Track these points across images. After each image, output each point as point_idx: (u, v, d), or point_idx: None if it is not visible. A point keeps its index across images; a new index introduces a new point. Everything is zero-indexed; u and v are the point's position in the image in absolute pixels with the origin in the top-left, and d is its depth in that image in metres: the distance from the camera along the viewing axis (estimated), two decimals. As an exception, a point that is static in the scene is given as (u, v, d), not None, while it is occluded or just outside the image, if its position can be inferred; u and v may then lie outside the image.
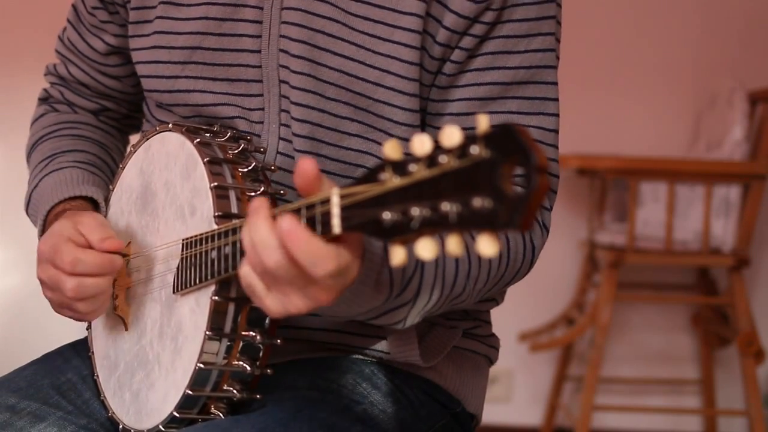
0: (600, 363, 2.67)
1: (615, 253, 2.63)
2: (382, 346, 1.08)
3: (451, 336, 1.12)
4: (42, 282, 1.04)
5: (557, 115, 1.07)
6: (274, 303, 0.81)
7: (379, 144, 1.05)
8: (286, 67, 1.05)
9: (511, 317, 2.84)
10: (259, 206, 0.80)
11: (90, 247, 1.01)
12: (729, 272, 2.69)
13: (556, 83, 1.07)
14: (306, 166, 0.78)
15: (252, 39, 1.07)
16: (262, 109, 1.07)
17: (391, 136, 1.05)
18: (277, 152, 1.07)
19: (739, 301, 2.67)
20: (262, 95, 1.07)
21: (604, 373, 3.00)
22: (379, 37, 1.03)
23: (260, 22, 1.06)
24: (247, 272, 0.82)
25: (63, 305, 1.02)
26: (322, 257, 0.76)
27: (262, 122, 1.08)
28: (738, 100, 2.72)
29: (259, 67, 1.07)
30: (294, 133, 1.06)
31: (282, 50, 1.05)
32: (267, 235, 0.78)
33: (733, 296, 2.68)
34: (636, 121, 3.14)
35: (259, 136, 1.08)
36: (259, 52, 1.07)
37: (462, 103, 1.05)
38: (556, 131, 1.07)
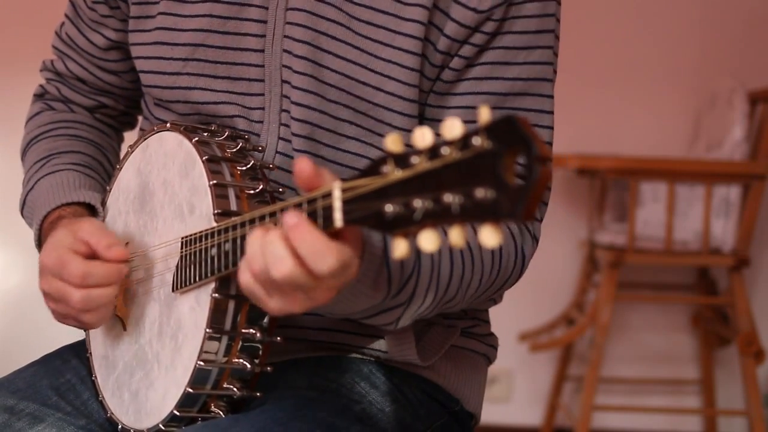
0: (600, 363, 2.66)
1: (615, 253, 2.63)
2: (380, 345, 1.08)
3: (448, 335, 1.12)
4: (45, 294, 1.02)
5: (552, 128, 1.08)
6: (277, 304, 0.81)
7: (377, 148, 1.06)
8: (289, 68, 1.05)
9: (511, 317, 2.84)
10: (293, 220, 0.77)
11: (95, 254, 1.00)
12: (729, 272, 2.69)
13: (552, 96, 1.08)
14: (302, 166, 0.78)
15: (256, 38, 1.07)
16: (263, 108, 1.08)
17: None
18: (276, 152, 1.07)
19: (739, 301, 2.66)
20: (263, 95, 1.07)
21: (604, 373, 3.00)
22: (381, 42, 1.04)
23: (265, 22, 1.06)
24: (247, 281, 0.81)
25: (68, 316, 1.01)
26: (325, 251, 0.75)
27: (261, 122, 1.08)
28: (738, 100, 2.72)
29: (262, 66, 1.07)
30: (293, 132, 1.06)
31: (285, 50, 1.05)
32: (280, 247, 0.77)
33: (733, 296, 2.68)
34: (636, 121, 3.14)
35: (258, 135, 1.08)
36: (262, 51, 1.07)
37: (458, 110, 1.06)
38: (551, 144, 1.09)
